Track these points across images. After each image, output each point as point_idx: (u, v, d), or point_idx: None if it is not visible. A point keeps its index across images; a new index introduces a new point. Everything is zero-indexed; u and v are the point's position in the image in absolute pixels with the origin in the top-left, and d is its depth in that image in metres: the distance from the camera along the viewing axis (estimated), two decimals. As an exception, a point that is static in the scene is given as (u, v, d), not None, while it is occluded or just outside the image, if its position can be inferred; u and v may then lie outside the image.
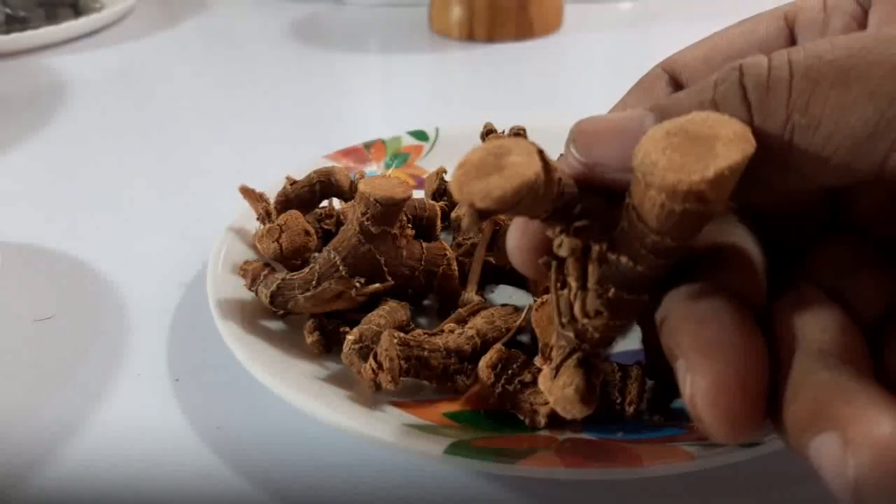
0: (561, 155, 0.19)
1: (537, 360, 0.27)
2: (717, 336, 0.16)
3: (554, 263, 0.19)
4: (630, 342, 0.32)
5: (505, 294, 0.36)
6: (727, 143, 0.15)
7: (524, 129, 0.38)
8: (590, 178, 0.18)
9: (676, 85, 0.23)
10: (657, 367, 0.25)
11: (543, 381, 0.19)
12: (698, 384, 0.15)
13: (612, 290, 0.17)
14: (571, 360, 0.19)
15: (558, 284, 0.18)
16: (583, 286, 0.17)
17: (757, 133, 0.15)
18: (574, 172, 0.18)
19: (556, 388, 0.18)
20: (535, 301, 0.30)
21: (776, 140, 0.16)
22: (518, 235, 0.20)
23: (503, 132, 0.38)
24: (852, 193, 0.20)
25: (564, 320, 0.18)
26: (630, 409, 0.27)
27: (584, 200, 0.18)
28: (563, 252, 0.18)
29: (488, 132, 0.38)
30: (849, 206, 0.20)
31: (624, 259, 0.17)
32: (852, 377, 0.15)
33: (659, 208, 0.15)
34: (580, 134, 0.18)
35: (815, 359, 0.16)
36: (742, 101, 0.16)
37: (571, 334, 0.18)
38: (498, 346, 0.29)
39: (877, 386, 0.15)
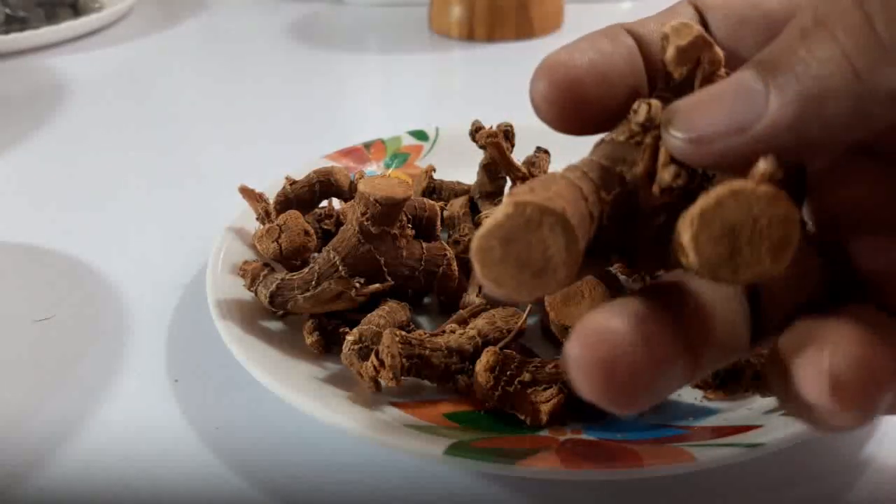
0: (568, 168, 0.18)
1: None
2: None
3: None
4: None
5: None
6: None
7: (512, 126, 0.39)
8: (696, 161, 0.17)
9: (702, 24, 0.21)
10: None
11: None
12: None
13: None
14: None
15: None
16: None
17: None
18: (681, 156, 0.17)
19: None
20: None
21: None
22: (553, 75, 0.18)
23: (490, 127, 0.38)
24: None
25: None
26: None
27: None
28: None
29: (476, 129, 0.38)
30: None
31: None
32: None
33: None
34: (677, 114, 0.17)
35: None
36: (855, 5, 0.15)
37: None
38: (492, 348, 0.29)
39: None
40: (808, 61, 0.15)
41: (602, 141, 0.18)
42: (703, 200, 0.15)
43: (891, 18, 0.14)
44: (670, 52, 0.18)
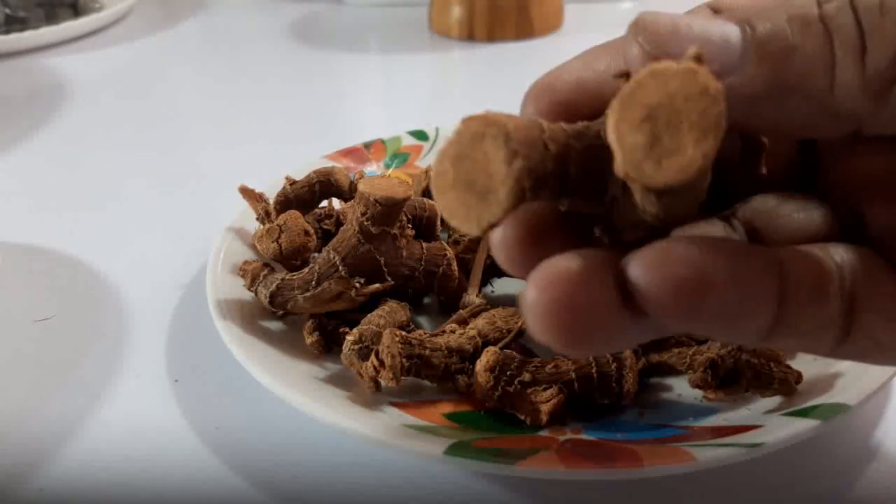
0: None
1: None
2: None
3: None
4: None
5: (506, 285, 0.36)
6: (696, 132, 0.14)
7: None
8: None
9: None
10: None
11: None
12: None
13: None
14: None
15: None
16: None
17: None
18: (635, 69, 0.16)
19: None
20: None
21: (884, 73, 0.15)
22: (507, 229, 0.18)
23: None
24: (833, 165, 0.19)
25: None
26: (628, 398, 0.28)
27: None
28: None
29: None
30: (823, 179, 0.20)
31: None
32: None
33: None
34: (647, 30, 0.16)
35: None
36: (854, 23, 0.15)
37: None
38: (492, 348, 0.29)
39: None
40: (797, 51, 0.15)
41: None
42: (625, 85, 0.14)
43: (884, 56, 0.15)
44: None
